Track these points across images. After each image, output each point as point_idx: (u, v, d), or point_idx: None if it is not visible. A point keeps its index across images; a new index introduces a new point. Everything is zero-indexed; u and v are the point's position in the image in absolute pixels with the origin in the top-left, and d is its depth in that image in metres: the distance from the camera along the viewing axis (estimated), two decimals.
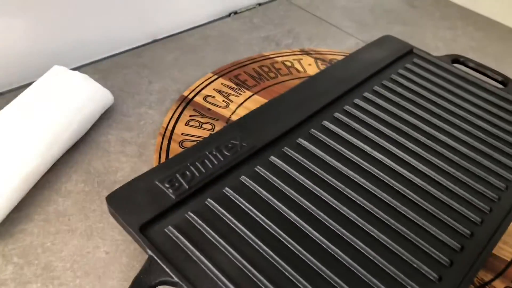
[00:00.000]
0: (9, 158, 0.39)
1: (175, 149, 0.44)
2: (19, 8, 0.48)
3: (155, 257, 0.32)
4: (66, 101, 0.45)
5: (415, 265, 0.35)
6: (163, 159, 0.43)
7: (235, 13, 0.69)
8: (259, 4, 0.72)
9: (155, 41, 0.61)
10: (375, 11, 0.76)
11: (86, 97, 0.46)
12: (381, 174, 0.42)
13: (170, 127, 0.46)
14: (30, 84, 0.45)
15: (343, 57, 0.56)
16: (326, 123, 0.46)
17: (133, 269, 0.36)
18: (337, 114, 0.48)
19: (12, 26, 0.48)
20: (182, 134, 0.45)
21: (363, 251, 0.35)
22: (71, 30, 0.53)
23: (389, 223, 0.38)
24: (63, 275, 0.35)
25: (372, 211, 0.38)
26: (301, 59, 0.58)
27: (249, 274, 0.33)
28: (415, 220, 0.38)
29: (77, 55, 0.55)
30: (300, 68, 0.57)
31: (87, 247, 0.37)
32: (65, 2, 0.51)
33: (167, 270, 0.31)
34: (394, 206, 0.39)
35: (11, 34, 0.49)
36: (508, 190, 0.42)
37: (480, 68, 0.57)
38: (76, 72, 0.47)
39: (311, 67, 0.57)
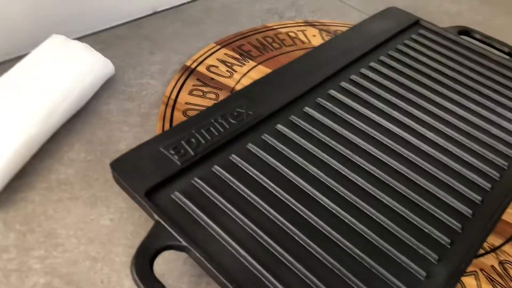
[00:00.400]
0: (8, 124, 0.38)
1: (179, 117, 0.43)
2: None
3: (162, 222, 0.31)
4: (65, 70, 0.43)
5: (426, 230, 0.34)
6: (167, 128, 0.42)
7: None
8: None
9: (155, 13, 0.60)
10: None
11: (86, 66, 0.45)
12: (389, 141, 0.41)
13: (173, 96, 0.45)
14: (27, 54, 0.44)
15: (347, 28, 0.55)
16: (332, 92, 0.45)
17: (138, 236, 0.35)
18: (343, 84, 0.47)
19: None
20: (185, 103, 0.44)
21: (373, 216, 0.35)
22: (71, 0, 0.52)
23: (399, 190, 0.37)
24: (67, 242, 0.34)
25: (381, 177, 0.38)
26: (305, 30, 0.57)
27: (257, 237, 0.32)
28: (425, 187, 0.37)
29: (77, 26, 0.53)
30: (304, 39, 0.55)
31: (90, 214, 0.36)
32: None
33: (175, 234, 0.31)
34: (404, 173, 0.38)
35: (9, 3, 0.47)
36: None
37: (487, 40, 0.56)
38: (76, 41, 0.46)
39: (315, 38, 0.56)
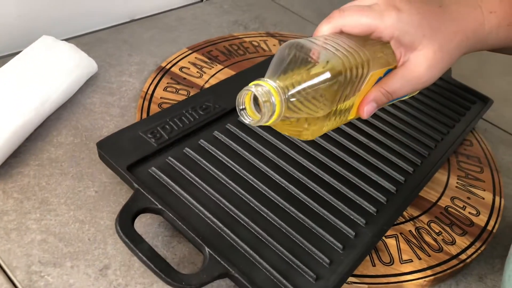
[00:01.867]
0: (6, 110, 0.43)
1: (155, 109, 0.49)
2: None
3: (141, 189, 0.38)
4: (55, 66, 0.49)
5: (358, 202, 0.42)
6: (144, 117, 0.49)
7: None
8: None
9: (133, 20, 0.67)
10: (333, 3, 0.84)
11: (73, 63, 0.51)
12: (332, 133, 0.49)
13: (150, 92, 0.51)
14: (19, 52, 0.50)
15: None
16: None
17: (119, 205, 0.41)
18: None
19: (3, 1, 0.53)
20: (161, 97, 0.51)
21: (315, 190, 0.42)
22: (57, 7, 0.58)
23: (338, 171, 0.45)
24: (58, 208, 0.40)
25: (324, 161, 0.46)
26: (267, 40, 0.65)
27: (219, 203, 0.39)
28: (359, 169, 0.46)
29: (64, 29, 0.59)
30: (265, 48, 0.63)
31: (78, 187, 0.42)
32: None
33: (152, 199, 0.37)
34: (343, 158, 0.46)
35: (4, 7, 0.53)
36: (435, 149, 0.50)
37: None
38: (64, 42, 0.52)
39: (275, 47, 0.64)
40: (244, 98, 0.30)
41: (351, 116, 0.35)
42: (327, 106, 0.31)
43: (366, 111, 0.34)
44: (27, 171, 0.42)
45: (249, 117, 0.31)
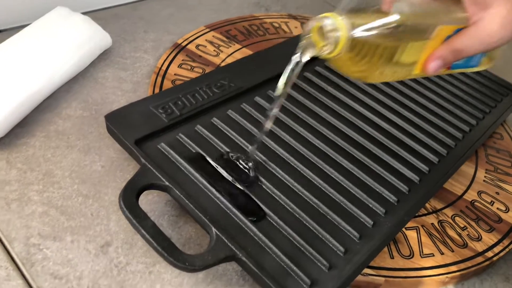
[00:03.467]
0: (14, 80, 0.42)
1: (168, 85, 0.47)
2: None
3: (148, 164, 0.36)
4: (68, 37, 0.48)
5: (378, 190, 0.40)
6: (157, 92, 0.47)
7: None
8: None
9: None
10: None
11: (86, 35, 0.49)
12: (352, 117, 0.46)
13: (164, 68, 0.50)
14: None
15: None
16: (307, 74, 0.51)
17: (126, 181, 0.38)
18: (318, 68, 0.52)
19: None
20: (174, 74, 0.49)
21: (333, 177, 0.40)
22: None
23: (359, 158, 0.42)
24: (62, 181, 0.38)
25: (344, 147, 0.43)
26: (288, 22, 0.62)
27: (229, 182, 0.37)
28: (381, 157, 0.43)
29: (77, 3, 0.58)
30: (286, 29, 0.61)
31: (84, 160, 0.40)
32: None
33: (159, 175, 0.35)
34: (364, 145, 0.44)
35: None
36: (463, 140, 0.47)
37: None
38: (79, 13, 0.51)
39: (297, 29, 0.61)
40: (311, 27, 0.30)
41: (416, 71, 0.34)
42: (391, 50, 0.31)
43: (432, 67, 0.32)
44: (33, 142, 0.41)
45: (312, 48, 0.31)
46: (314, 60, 0.33)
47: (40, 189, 0.37)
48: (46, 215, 0.36)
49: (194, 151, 0.39)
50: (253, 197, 0.36)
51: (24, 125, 0.42)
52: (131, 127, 0.39)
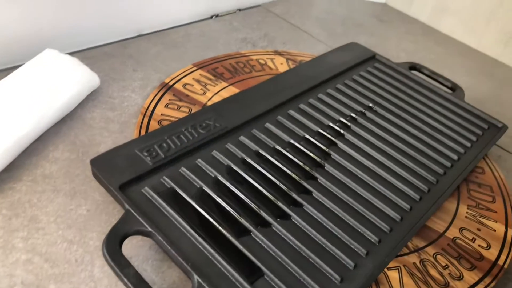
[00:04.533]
0: (3, 123, 0.43)
1: (154, 126, 0.48)
2: None
3: (131, 210, 0.37)
4: (56, 79, 0.49)
5: (359, 230, 0.40)
6: (143, 134, 0.48)
7: (217, 16, 0.75)
8: (239, 10, 0.78)
9: (140, 35, 0.66)
10: (346, 23, 0.83)
11: (74, 77, 0.50)
12: (335, 155, 0.47)
13: (150, 108, 0.51)
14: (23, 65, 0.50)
15: (312, 58, 0.62)
16: (291, 112, 0.52)
17: (111, 225, 0.39)
18: (302, 106, 0.53)
19: (8, 11, 0.53)
20: (161, 114, 0.50)
21: (315, 216, 0.40)
22: (64, 19, 0.58)
23: (340, 196, 0.43)
24: (47, 227, 0.39)
25: (325, 185, 0.44)
26: (274, 58, 0.64)
27: (214, 229, 0.37)
28: (363, 195, 0.44)
29: (68, 42, 0.59)
30: (272, 66, 0.62)
31: (70, 205, 0.41)
32: None
33: (142, 221, 0.36)
34: (346, 183, 0.44)
35: (7, 18, 0.53)
36: (445, 175, 0.48)
37: (433, 75, 0.64)
38: (67, 55, 0.52)
39: (282, 66, 0.63)
40: None
41: None
42: None
43: None
44: (19, 187, 0.41)
45: None
46: None
47: (25, 236, 0.38)
48: (30, 262, 0.36)
49: (177, 194, 0.40)
50: (236, 242, 0.37)
51: (11, 170, 0.43)
52: (116, 172, 0.40)
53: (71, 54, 0.56)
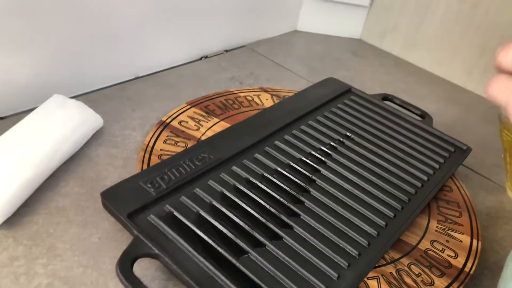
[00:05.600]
0: (18, 164, 0.48)
1: (155, 161, 0.54)
2: (25, 47, 0.58)
3: (140, 236, 0.42)
4: (64, 122, 0.54)
5: (341, 245, 0.46)
6: (145, 168, 0.53)
7: (206, 57, 0.82)
8: (226, 51, 0.85)
9: (137, 78, 0.72)
10: (324, 59, 0.90)
11: (80, 119, 0.56)
12: (318, 179, 0.53)
13: (150, 144, 0.56)
14: (33, 109, 0.55)
15: (293, 93, 0.69)
16: (277, 143, 0.58)
17: (121, 250, 0.44)
18: (286, 137, 0.59)
19: (20, 63, 0.59)
20: (160, 149, 0.55)
21: (301, 234, 0.46)
22: (68, 66, 0.64)
23: (322, 215, 0.48)
24: (64, 254, 0.43)
25: (309, 206, 0.49)
26: (260, 94, 0.70)
27: (214, 248, 0.43)
28: (343, 214, 0.49)
29: (72, 87, 0.65)
30: (259, 102, 0.69)
31: (83, 234, 0.46)
32: (63, 43, 0.61)
33: (150, 245, 0.41)
34: (327, 203, 0.50)
35: (19, 69, 0.59)
36: (416, 195, 0.54)
37: (404, 105, 0.71)
38: (73, 100, 0.58)
39: (267, 101, 0.69)
40: None
41: None
42: None
43: None
44: (36, 219, 0.46)
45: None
46: None
47: (45, 263, 0.42)
48: (51, 286, 0.40)
49: (180, 220, 0.45)
50: (237, 262, 0.42)
51: (28, 205, 0.47)
52: (124, 202, 0.45)
53: (75, 97, 0.62)
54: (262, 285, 0.40)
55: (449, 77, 0.91)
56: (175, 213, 0.45)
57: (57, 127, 0.53)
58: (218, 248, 0.42)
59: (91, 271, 0.42)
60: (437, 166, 0.59)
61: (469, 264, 0.48)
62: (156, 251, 0.41)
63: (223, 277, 0.40)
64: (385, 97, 0.72)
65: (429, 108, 0.73)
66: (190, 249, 0.42)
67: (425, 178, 0.57)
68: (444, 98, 0.84)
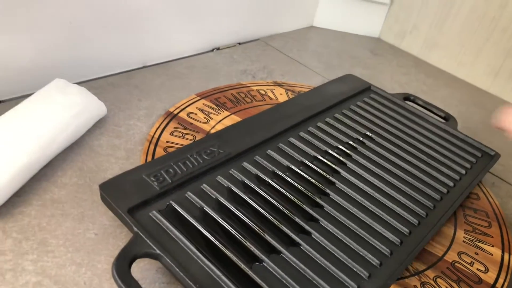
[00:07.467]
0: (12, 150, 0.44)
1: (160, 153, 0.50)
2: (27, 28, 0.54)
3: (140, 233, 0.38)
4: (64, 108, 0.50)
5: (361, 253, 0.41)
6: (149, 160, 0.49)
7: (218, 49, 0.78)
8: (239, 43, 0.81)
9: (145, 66, 0.69)
10: (341, 56, 0.86)
11: (82, 105, 0.52)
12: (337, 181, 0.49)
13: (156, 135, 0.52)
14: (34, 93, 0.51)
15: (309, 89, 0.65)
16: (292, 139, 0.54)
17: (118, 248, 0.40)
18: (302, 133, 0.55)
19: (21, 45, 0.55)
20: (167, 141, 0.52)
21: (319, 241, 0.42)
22: (71, 51, 0.60)
23: (343, 221, 0.44)
24: (56, 250, 0.39)
25: (329, 211, 0.45)
26: (274, 89, 0.66)
27: (219, 249, 0.38)
28: (364, 220, 0.45)
29: (75, 73, 0.61)
30: (272, 96, 0.64)
31: (78, 228, 0.42)
32: (68, 26, 0.58)
33: (150, 244, 0.37)
34: (348, 209, 0.46)
35: (20, 51, 0.55)
36: (441, 201, 0.50)
37: (427, 106, 0.66)
38: (76, 85, 0.54)
39: (282, 96, 0.65)
40: None
41: None
42: None
43: None
44: (28, 211, 0.42)
45: None
46: None
47: (35, 259, 0.38)
48: (40, 285, 0.36)
49: (184, 218, 0.41)
50: (242, 265, 0.38)
51: (21, 194, 0.44)
52: (124, 196, 0.41)
53: (78, 84, 0.58)
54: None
55: (472, 80, 0.86)
56: (180, 210, 0.41)
57: (56, 112, 0.50)
58: (229, 253, 0.38)
59: (85, 270, 0.38)
60: (463, 171, 0.55)
61: (501, 280, 0.43)
62: (157, 251, 0.37)
63: (231, 284, 0.36)
64: (407, 97, 0.68)
65: (451, 111, 0.69)
66: (195, 250, 0.38)
67: (451, 183, 0.52)
68: (467, 101, 0.80)
